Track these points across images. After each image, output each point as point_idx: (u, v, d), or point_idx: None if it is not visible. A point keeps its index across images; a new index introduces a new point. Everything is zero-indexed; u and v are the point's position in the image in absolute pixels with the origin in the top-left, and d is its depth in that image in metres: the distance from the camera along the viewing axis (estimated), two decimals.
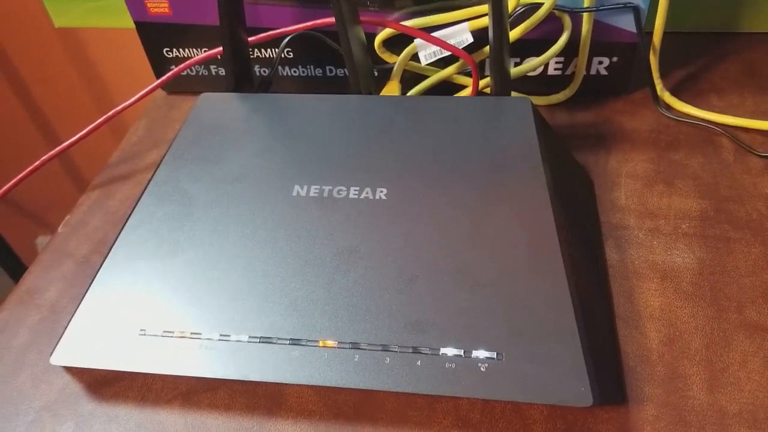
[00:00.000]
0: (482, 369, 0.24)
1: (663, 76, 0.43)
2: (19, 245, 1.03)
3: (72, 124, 0.82)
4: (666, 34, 0.40)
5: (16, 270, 1.00)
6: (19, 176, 0.39)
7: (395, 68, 0.39)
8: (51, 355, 0.26)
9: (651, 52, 0.41)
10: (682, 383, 0.26)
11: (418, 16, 0.38)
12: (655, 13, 0.39)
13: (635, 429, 0.24)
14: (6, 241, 0.98)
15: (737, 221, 0.33)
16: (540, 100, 0.42)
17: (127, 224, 0.30)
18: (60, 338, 0.27)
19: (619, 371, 0.26)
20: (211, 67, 0.44)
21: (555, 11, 0.38)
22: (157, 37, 0.43)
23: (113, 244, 0.30)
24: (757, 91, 0.42)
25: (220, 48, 0.40)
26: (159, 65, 0.44)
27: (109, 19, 0.53)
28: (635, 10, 0.38)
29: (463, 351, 0.24)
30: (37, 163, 0.39)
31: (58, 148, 0.39)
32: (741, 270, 0.30)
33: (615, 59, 0.40)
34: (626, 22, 0.39)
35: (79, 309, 0.27)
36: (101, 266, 0.29)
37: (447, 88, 0.41)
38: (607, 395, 0.25)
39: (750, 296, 0.29)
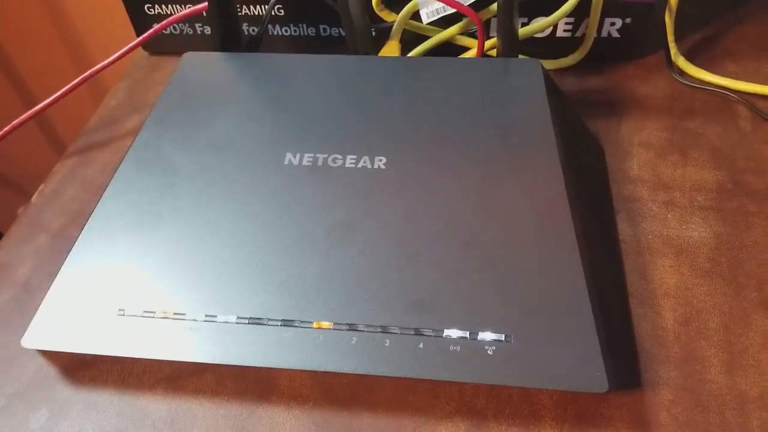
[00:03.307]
0: (489, 352, 0.22)
1: (677, 38, 0.40)
2: (0, 216, 0.99)
3: (50, 86, 0.78)
4: None
5: None
6: None
7: (395, 27, 0.36)
8: (22, 337, 0.24)
9: (666, 13, 0.38)
10: (699, 365, 0.24)
11: None
12: None
13: (651, 414, 0.23)
14: None
15: (756, 194, 0.31)
16: (548, 64, 0.39)
17: (105, 195, 0.28)
18: (32, 319, 0.24)
19: (633, 353, 0.25)
20: (197, 25, 0.41)
21: None
22: None
23: (89, 217, 0.27)
24: None
25: (205, 4, 0.37)
26: (140, 23, 0.41)
27: None
28: None
29: (468, 333, 0.23)
30: (8, 126, 0.36)
31: (33, 110, 0.36)
32: (760, 245, 0.29)
33: (628, 20, 0.38)
34: None
35: (52, 287, 0.25)
36: (76, 240, 0.27)
37: (449, 50, 0.38)
38: (622, 379, 0.24)
39: None
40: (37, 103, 0.36)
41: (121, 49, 0.37)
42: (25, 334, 0.24)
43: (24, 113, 0.36)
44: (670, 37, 0.39)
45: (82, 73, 0.37)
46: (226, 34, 0.35)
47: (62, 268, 0.26)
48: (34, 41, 0.75)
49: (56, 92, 0.37)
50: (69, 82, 0.37)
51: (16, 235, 0.31)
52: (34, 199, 0.33)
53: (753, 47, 0.40)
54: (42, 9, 0.71)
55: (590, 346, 0.22)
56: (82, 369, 0.25)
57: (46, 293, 0.25)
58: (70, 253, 0.26)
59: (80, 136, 0.37)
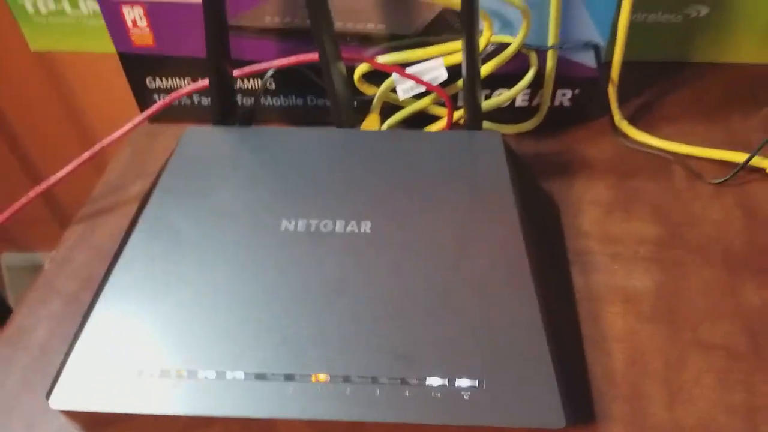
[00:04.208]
0: (465, 397, 0.26)
1: (620, 104, 0.46)
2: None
3: (45, 143, 0.79)
4: (623, 63, 0.43)
5: None
6: (3, 216, 0.39)
7: (375, 101, 0.41)
8: (48, 398, 0.27)
9: (609, 84, 0.44)
10: (644, 401, 0.28)
11: (396, 51, 0.40)
12: (614, 47, 0.42)
13: None
14: None
15: (689, 245, 0.36)
16: (508, 129, 0.44)
17: (119, 263, 0.31)
18: (56, 380, 0.27)
19: (587, 391, 0.29)
20: (193, 95, 0.45)
21: (522, 49, 0.40)
22: (140, 68, 0.43)
23: (104, 283, 0.30)
24: (705, 119, 0.45)
25: (206, 81, 0.41)
26: (142, 94, 0.45)
27: (86, 43, 0.53)
28: (595, 48, 0.40)
29: (447, 380, 0.26)
30: (23, 200, 0.39)
31: (43, 186, 0.39)
32: (693, 291, 0.33)
33: (577, 91, 0.43)
34: (587, 58, 0.41)
35: (74, 350, 0.28)
36: (94, 306, 0.29)
37: (423, 116, 0.43)
38: (578, 416, 0.27)
39: (702, 316, 0.32)
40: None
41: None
42: (52, 395, 0.27)
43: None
44: (614, 105, 0.44)
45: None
46: (224, 106, 0.39)
47: (83, 332, 0.29)
48: (32, 102, 0.77)
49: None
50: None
51: (32, 300, 0.34)
52: (46, 265, 0.36)
53: (686, 111, 0.46)
54: (42, 73, 0.73)
55: (549, 388, 0.26)
56: (101, 426, 0.28)
57: (66, 355, 0.28)
58: (89, 318, 0.29)
59: (87, 203, 0.40)
